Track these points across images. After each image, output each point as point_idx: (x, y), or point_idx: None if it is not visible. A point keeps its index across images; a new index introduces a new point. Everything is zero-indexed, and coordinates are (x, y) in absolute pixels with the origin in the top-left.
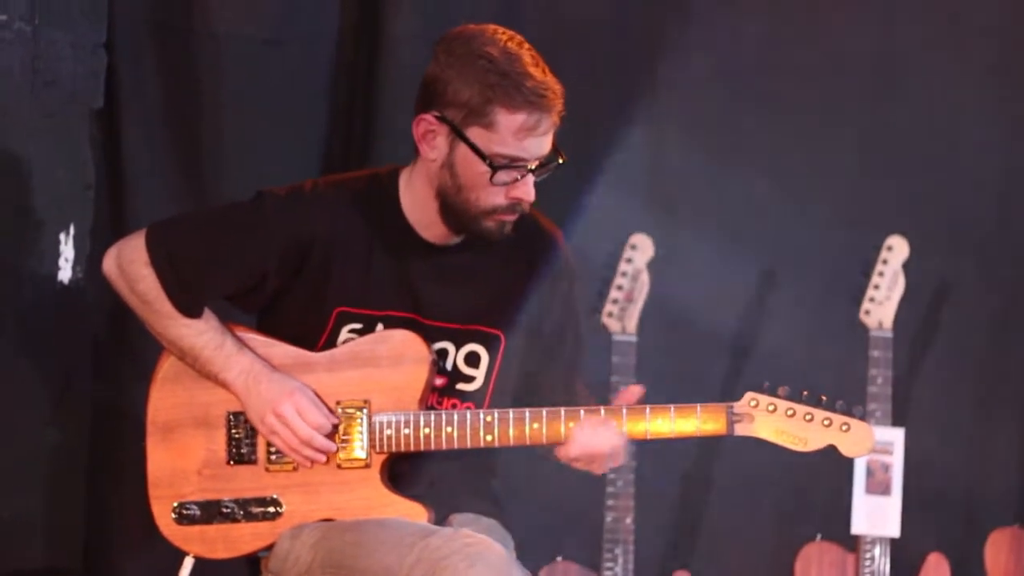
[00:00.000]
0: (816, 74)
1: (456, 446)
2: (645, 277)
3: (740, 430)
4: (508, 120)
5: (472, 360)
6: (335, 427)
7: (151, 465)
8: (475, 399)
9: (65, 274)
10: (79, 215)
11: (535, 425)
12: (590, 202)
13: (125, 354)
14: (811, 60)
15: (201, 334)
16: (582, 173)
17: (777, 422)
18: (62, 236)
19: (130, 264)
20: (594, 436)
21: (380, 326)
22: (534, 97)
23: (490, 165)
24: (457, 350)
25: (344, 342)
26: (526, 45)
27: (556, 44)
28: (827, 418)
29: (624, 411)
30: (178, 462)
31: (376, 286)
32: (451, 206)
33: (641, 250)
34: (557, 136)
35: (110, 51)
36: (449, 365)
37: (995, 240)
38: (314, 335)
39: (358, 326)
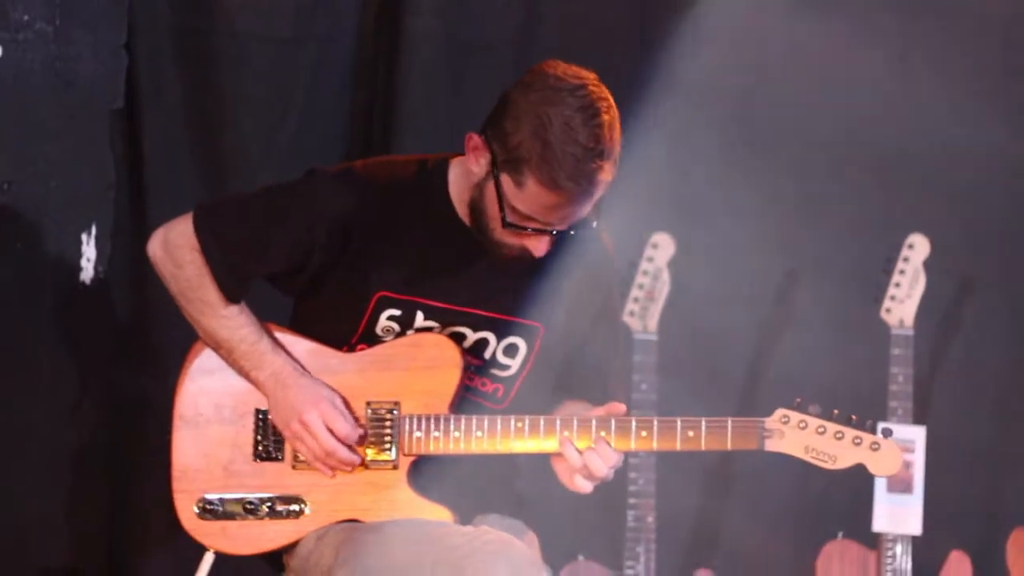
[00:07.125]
0: (837, 74)
1: (486, 450)
2: (666, 276)
3: (770, 446)
4: (536, 191)
5: (511, 351)
6: (362, 437)
7: (176, 458)
8: (505, 383)
9: (87, 274)
10: (100, 215)
11: (566, 433)
12: (611, 201)
13: (146, 354)
14: (832, 61)
15: (239, 328)
16: None
17: (807, 439)
18: (84, 236)
19: (176, 248)
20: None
21: (420, 314)
22: (569, 184)
23: (503, 218)
24: (499, 341)
25: (383, 330)
26: (605, 117)
27: (575, 44)
28: (858, 437)
29: (655, 424)
30: (204, 456)
31: (420, 272)
32: (475, 220)
33: (662, 249)
34: None
35: (130, 52)
36: (488, 355)
37: (1016, 238)
38: (354, 319)
39: (397, 312)
